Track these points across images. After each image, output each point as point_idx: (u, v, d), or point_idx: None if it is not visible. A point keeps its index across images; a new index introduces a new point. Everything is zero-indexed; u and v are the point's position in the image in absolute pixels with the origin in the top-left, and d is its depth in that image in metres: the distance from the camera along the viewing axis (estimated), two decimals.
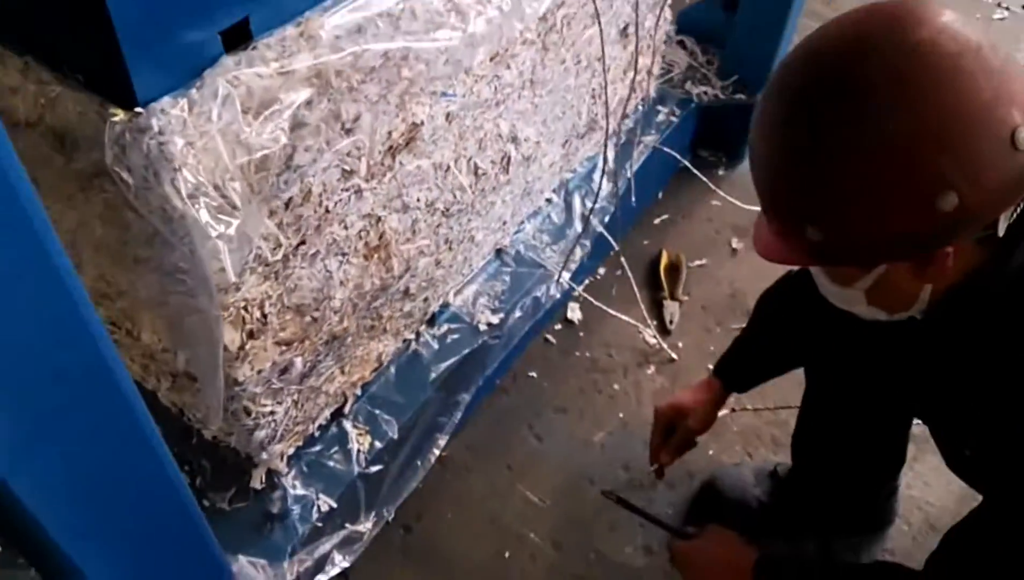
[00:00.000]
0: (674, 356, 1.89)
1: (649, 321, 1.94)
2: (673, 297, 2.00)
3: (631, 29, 1.78)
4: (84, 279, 1.22)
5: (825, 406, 1.39)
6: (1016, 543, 0.91)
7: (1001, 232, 0.83)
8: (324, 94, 1.04)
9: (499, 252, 1.79)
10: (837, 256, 0.88)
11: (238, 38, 0.95)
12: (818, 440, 1.45)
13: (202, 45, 0.92)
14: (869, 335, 1.07)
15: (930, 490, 1.65)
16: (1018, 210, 0.83)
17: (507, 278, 1.76)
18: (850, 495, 1.49)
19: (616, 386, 1.85)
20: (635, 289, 1.94)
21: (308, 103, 1.02)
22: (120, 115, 0.88)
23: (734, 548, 1.27)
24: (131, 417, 0.81)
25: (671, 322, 1.96)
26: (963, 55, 0.77)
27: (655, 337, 1.92)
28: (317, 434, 1.45)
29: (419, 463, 1.55)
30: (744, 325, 1.46)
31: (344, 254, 1.26)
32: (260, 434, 1.28)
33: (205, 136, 0.91)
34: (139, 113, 0.88)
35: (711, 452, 1.73)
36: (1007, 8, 3.02)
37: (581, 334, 1.95)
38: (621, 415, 1.80)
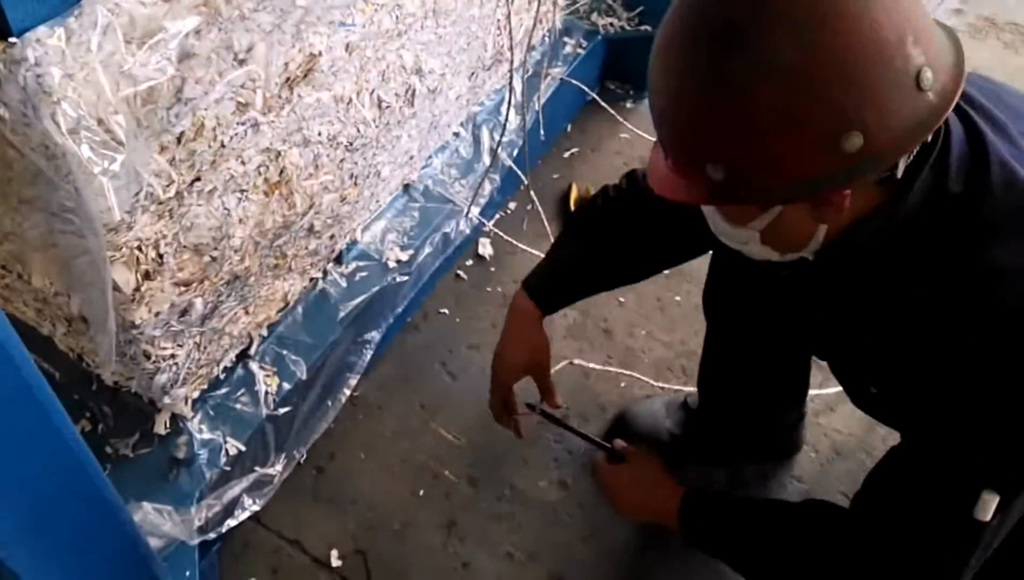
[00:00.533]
0: None
1: None
2: None
3: None
4: None
5: (724, 343, 1.42)
6: (933, 482, 0.92)
7: (900, 174, 0.84)
8: (214, 23, 1.00)
9: (407, 187, 1.77)
10: (737, 195, 0.85)
11: None
12: (722, 374, 1.49)
13: None
14: (760, 275, 1.08)
15: (836, 416, 1.72)
16: (914, 153, 0.84)
17: (416, 214, 1.74)
18: (757, 424, 1.54)
19: None
20: (545, 223, 1.95)
21: (197, 32, 0.98)
22: None
23: (661, 479, 1.27)
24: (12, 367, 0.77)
25: None
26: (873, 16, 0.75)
27: None
28: (223, 377, 1.42)
29: (329, 403, 1.55)
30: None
31: (243, 191, 1.23)
32: (161, 378, 1.25)
33: (85, 68, 0.87)
34: (13, 44, 0.83)
35: (623, 385, 1.77)
36: None
37: (492, 269, 1.95)
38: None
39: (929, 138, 0.83)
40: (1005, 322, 0.83)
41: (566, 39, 2.12)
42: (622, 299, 1.90)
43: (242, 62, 1.09)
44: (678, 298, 1.91)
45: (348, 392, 1.57)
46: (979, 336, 0.85)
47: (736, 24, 0.77)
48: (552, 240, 1.96)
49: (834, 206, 0.84)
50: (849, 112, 0.76)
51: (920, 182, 0.85)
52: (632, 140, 2.24)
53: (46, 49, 0.84)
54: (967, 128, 0.89)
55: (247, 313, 1.40)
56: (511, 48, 1.72)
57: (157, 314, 1.16)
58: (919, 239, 0.87)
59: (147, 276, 1.11)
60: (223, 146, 1.14)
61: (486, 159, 1.87)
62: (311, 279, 1.56)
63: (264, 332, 1.48)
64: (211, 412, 1.38)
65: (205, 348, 1.33)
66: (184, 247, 1.15)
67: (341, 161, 1.44)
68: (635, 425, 1.64)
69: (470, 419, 1.70)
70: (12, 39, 0.84)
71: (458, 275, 1.94)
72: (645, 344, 1.83)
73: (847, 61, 0.75)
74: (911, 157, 0.84)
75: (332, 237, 1.55)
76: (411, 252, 1.68)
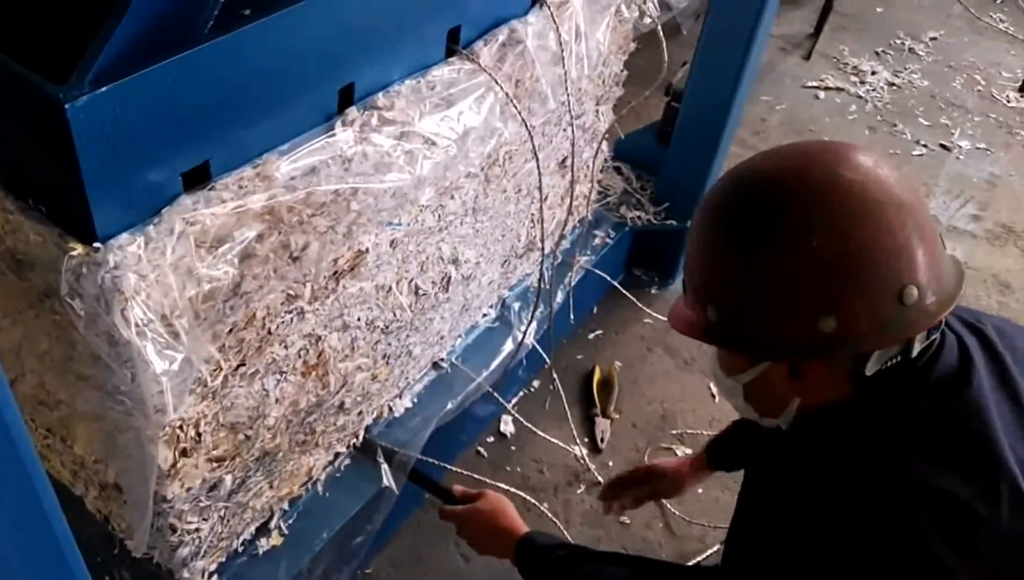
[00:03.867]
0: (600, 479, 1.94)
1: (581, 439, 2.00)
2: (605, 414, 2.07)
3: (569, 161, 1.89)
4: (24, 387, 1.24)
5: None
6: None
7: (869, 372, 0.92)
8: (275, 228, 1.10)
9: (435, 365, 1.84)
10: (726, 339, 0.97)
11: (198, 178, 1.01)
12: None
13: (163, 185, 0.97)
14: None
15: None
16: (893, 361, 0.92)
17: (440, 391, 1.80)
18: None
19: (546, 505, 1.88)
20: (566, 407, 2.00)
21: (259, 237, 1.08)
22: (79, 249, 0.92)
23: (503, 520, 1.37)
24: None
25: (602, 440, 2.02)
26: (885, 206, 0.87)
27: (584, 458, 1.97)
28: (241, 549, 1.45)
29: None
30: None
31: (282, 372, 1.30)
32: (183, 551, 1.28)
33: (157, 269, 0.96)
34: (97, 249, 0.92)
35: None
36: (925, 145, 3.26)
37: (513, 448, 1.99)
38: None
39: (915, 352, 0.92)
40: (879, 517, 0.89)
41: (596, 230, 2.24)
42: None
43: (296, 260, 1.18)
44: None
45: (358, 570, 1.59)
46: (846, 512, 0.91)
47: (765, 202, 0.90)
48: (571, 425, 2.01)
49: (808, 381, 0.95)
50: (829, 298, 0.87)
51: (890, 391, 0.93)
52: (655, 325, 2.32)
53: (125, 255, 0.94)
54: (962, 362, 0.96)
55: (271, 487, 1.44)
56: (564, 237, 1.80)
57: (188, 489, 1.21)
58: (869, 438, 0.95)
59: (184, 453, 1.17)
60: (270, 333, 1.22)
61: (513, 340, 1.95)
62: (336, 454, 1.61)
63: (285, 506, 1.51)
64: None
65: (228, 522, 1.36)
66: (221, 426, 1.22)
67: (376, 343, 1.52)
68: None
69: None
70: (96, 244, 0.93)
71: (479, 451, 1.97)
72: None
73: (849, 264, 0.86)
74: (889, 363, 0.92)
75: (360, 413, 1.61)
76: (433, 427, 1.72)
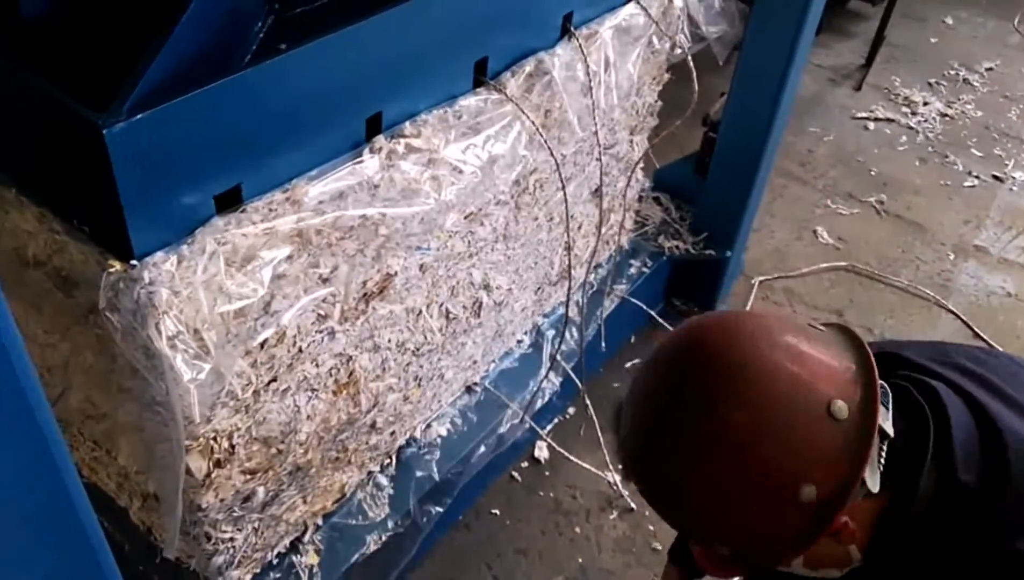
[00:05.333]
0: (633, 505, 1.94)
1: (615, 465, 2.01)
2: None
3: (602, 190, 1.92)
4: (72, 400, 1.32)
5: None
6: None
7: (875, 488, 0.86)
8: (304, 249, 1.16)
9: (469, 389, 1.88)
10: (751, 562, 0.94)
11: (230, 201, 1.07)
12: None
13: (197, 207, 1.04)
14: None
15: None
16: (882, 458, 0.87)
17: (473, 415, 1.84)
18: None
19: (578, 530, 1.90)
20: (599, 433, 2.02)
21: (288, 257, 1.14)
22: (116, 266, 0.99)
23: None
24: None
25: None
26: (777, 374, 0.85)
27: (618, 485, 1.98)
28: (275, 562, 1.50)
29: None
30: None
31: (314, 390, 1.35)
32: (219, 559, 1.33)
33: (189, 286, 1.02)
34: (134, 266, 0.99)
35: None
36: (977, 176, 3.20)
37: (547, 473, 2.01)
38: (580, 560, 1.84)
39: (891, 432, 0.87)
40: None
41: (632, 260, 2.26)
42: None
43: (325, 281, 1.24)
44: None
45: None
46: None
47: (680, 417, 0.88)
48: (605, 451, 2.01)
49: (843, 531, 0.87)
50: (790, 470, 0.83)
51: (925, 477, 0.88)
52: None
53: (159, 272, 1.00)
54: (972, 409, 0.92)
55: (305, 502, 1.49)
56: (599, 266, 1.82)
57: (222, 499, 1.27)
58: (940, 532, 0.89)
59: (218, 464, 1.23)
60: (300, 351, 1.28)
61: (545, 365, 1.97)
62: (369, 472, 1.65)
63: (319, 521, 1.56)
64: None
65: (262, 533, 1.41)
66: (254, 439, 1.27)
67: (407, 365, 1.57)
68: None
69: None
70: (133, 261, 1.00)
71: (512, 476, 2.00)
72: None
73: (775, 422, 0.83)
74: (880, 463, 0.87)
75: (392, 434, 1.65)
76: (465, 451, 1.76)
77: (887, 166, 3.23)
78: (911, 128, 3.45)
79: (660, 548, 1.87)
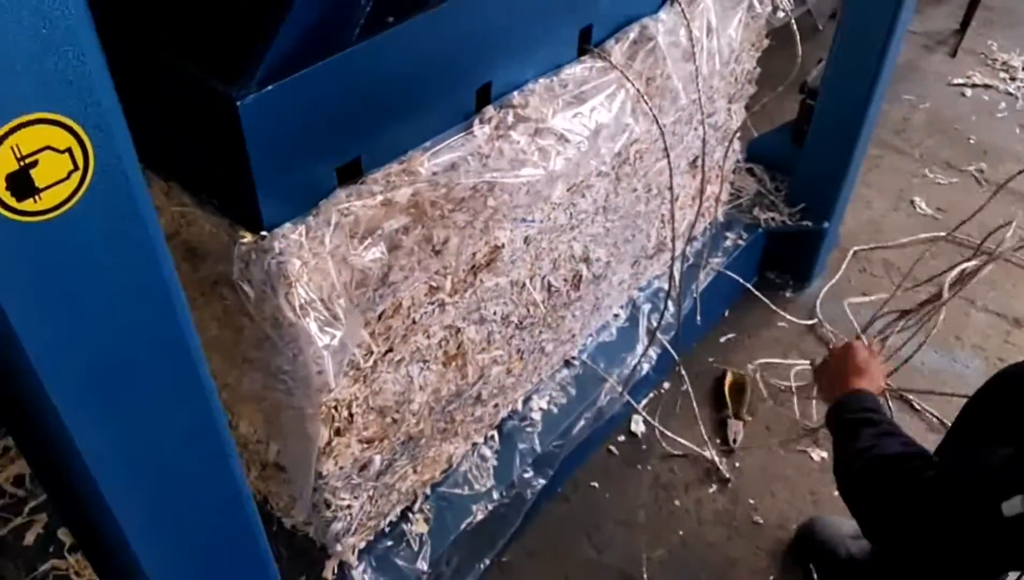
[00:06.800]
0: (730, 476, 1.93)
1: (713, 439, 1.99)
2: (737, 416, 2.05)
3: (700, 161, 1.89)
4: None
5: None
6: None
7: None
8: (419, 221, 1.17)
9: (567, 363, 1.88)
10: None
11: (350, 173, 1.09)
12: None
13: (320, 180, 1.06)
14: None
15: None
16: None
17: (572, 389, 1.84)
18: None
19: (677, 502, 1.89)
20: (695, 407, 2.00)
21: (405, 229, 1.15)
22: (248, 237, 1.02)
23: (846, 374, 1.45)
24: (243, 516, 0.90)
25: (734, 441, 2.00)
26: None
27: (716, 457, 1.96)
28: (388, 530, 1.53)
29: (480, 566, 1.61)
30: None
31: (425, 361, 1.37)
32: (337, 526, 1.37)
33: (317, 257, 1.04)
34: (264, 237, 1.01)
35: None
36: None
37: (644, 447, 2.00)
38: (681, 533, 1.83)
39: None
40: None
41: (727, 232, 2.22)
42: (771, 489, 1.90)
43: (438, 253, 1.25)
44: None
45: (494, 556, 1.64)
46: None
47: None
48: (701, 425, 2.00)
49: None
50: None
51: None
52: (789, 329, 2.28)
53: (288, 242, 1.02)
54: None
55: (415, 472, 1.52)
56: (694, 239, 1.82)
57: (341, 467, 1.30)
58: None
59: (338, 432, 1.26)
60: (414, 322, 1.29)
61: (643, 340, 1.96)
62: (473, 444, 1.67)
63: (427, 491, 1.59)
64: (374, 563, 1.48)
65: (376, 502, 1.44)
66: (371, 409, 1.30)
67: (511, 338, 1.58)
68: (816, 534, 1.75)
69: None
70: (263, 233, 1.03)
71: (610, 450, 2.00)
72: None
73: None
74: None
75: (496, 406, 1.67)
76: (566, 424, 1.76)
77: (986, 134, 3.10)
78: (1010, 94, 3.31)
79: (761, 522, 1.85)
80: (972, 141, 3.06)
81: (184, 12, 1.14)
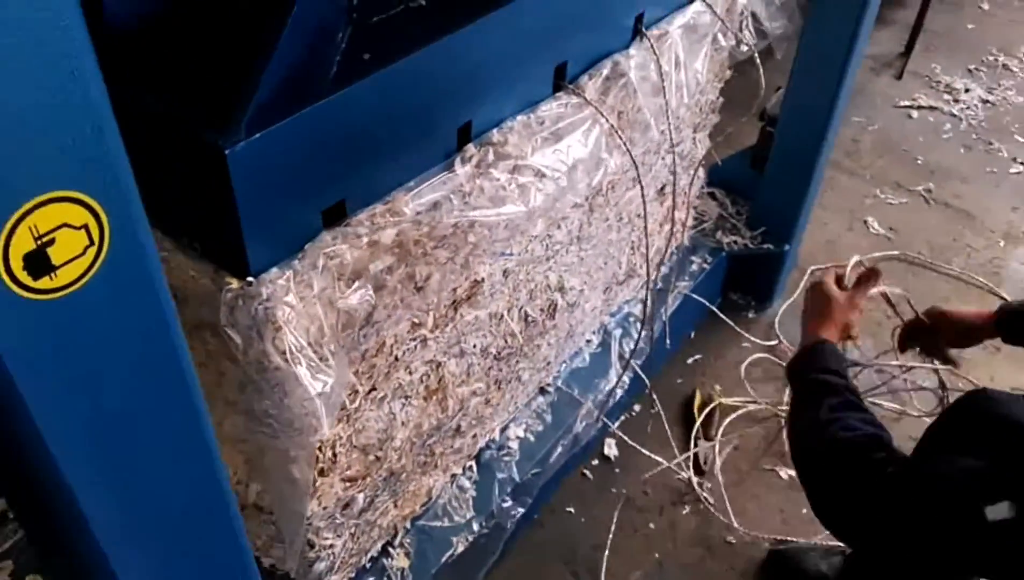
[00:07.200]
0: (708, 497, 1.96)
1: (684, 460, 2.02)
2: (707, 437, 2.08)
3: (668, 189, 1.93)
4: None
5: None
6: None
7: None
8: (403, 260, 1.17)
9: (542, 390, 1.89)
10: None
11: (335, 216, 1.09)
12: None
13: (306, 223, 1.06)
14: None
15: None
16: None
17: (548, 416, 1.85)
18: None
19: (652, 525, 1.91)
20: (667, 429, 2.03)
21: (389, 269, 1.16)
22: (235, 283, 1.01)
23: (824, 317, 1.42)
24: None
25: (705, 462, 2.03)
26: None
27: (688, 478, 1.99)
28: (368, 566, 1.52)
29: None
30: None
31: (407, 397, 1.37)
32: (320, 566, 1.36)
33: (305, 301, 1.04)
34: (251, 282, 1.01)
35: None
36: (1022, 163, 3.18)
37: (617, 470, 2.02)
38: (656, 555, 1.86)
39: None
40: None
41: (692, 256, 2.27)
42: (746, 506, 1.93)
43: (420, 290, 1.26)
44: None
45: None
46: None
47: None
48: (674, 446, 2.02)
49: None
50: None
51: None
52: (752, 349, 2.33)
53: (275, 287, 1.02)
54: None
55: (395, 507, 1.51)
56: (649, 267, 1.85)
57: (324, 507, 1.29)
58: None
59: (321, 473, 1.25)
60: (396, 359, 1.29)
61: (615, 364, 1.99)
62: (452, 475, 1.67)
63: (407, 525, 1.58)
64: None
65: (358, 539, 1.43)
66: (354, 447, 1.29)
67: (489, 369, 1.58)
68: (788, 554, 1.81)
69: None
70: (250, 278, 1.02)
71: (584, 474, 2.01)
72: None
73: None
74: None
75: (474, 436, 1.67)
76: (543, 451, 1.77)
77: (933, 154, 3.21)
78: (954, 115, 3.43)
79: (734, 541, 1.88)
80: (920, 161, 3.16)
81: (168, 58, 1.13)
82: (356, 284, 1.08)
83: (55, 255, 0.52)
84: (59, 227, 0.51)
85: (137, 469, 0.69)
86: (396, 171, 1.17)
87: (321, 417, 1.04)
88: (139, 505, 0.71)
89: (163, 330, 0.64)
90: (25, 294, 0.51)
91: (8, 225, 0.48)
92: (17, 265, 0.50)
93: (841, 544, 1.76)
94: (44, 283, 0.52)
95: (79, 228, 0.53)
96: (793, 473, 2.01)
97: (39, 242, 0.50)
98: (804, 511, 1.91)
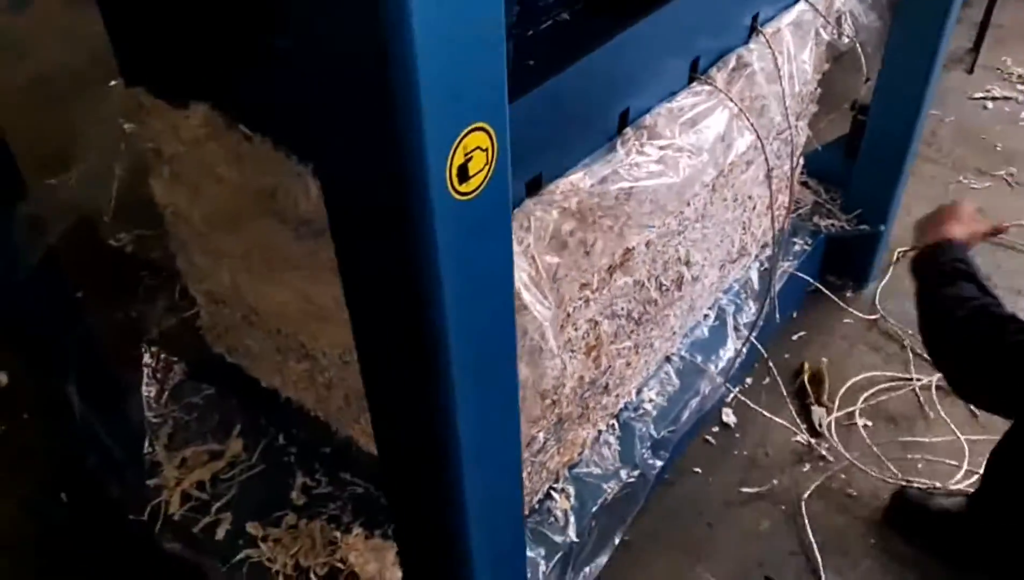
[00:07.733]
0: (828, 455, 2.12)
1: (800, 423, 2.19)
2: (820, 403, 2.25)
3: (775, 172, 2.12)
4: None
5: None
6: None
7: None
8: (581, 226, 1.39)
9: (668, 358, 2.09)
10: None
11: (535, 186, 1.31)
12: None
13: (515, 192, 1.28)
14: None
15: None
16: None
17: (676, 381, 2.04)
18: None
19: (775, 481, 2.08)
20: (784, 393, 2.20)
21: (571, 232, 1.37)
22: None
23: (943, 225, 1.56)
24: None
25: (820, 425, 2.20)
26: None
27: (808, 439, 2.15)
28: (536, 506, 1.73)
29: (614, 540, 1.80)
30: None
31: (573, 350, 1.58)
32: None
33: (516, 256, 1.26)
34: None
35: None
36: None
37: (737, 435, 2.20)
38: (784, 508, 2.02)
39: None
40: None
41: (794, 238, 2.45)
42: (862, 466, 2.09)
43: (587, 253, 1.47)
44: None
45: (621, 536, 1.83)
46: None
47: None
48: (791, 409, 2.19)
49: None
50: None
51: None
52: (855, 324, 2.49)
53: None
54: None
55: (559, 453, 1.72)
56: (766, 245, 2.05)
57: None
58: None
59: None
60: (568, 315, 1.51)
61: (731, 335, 2.17)
62: (599, 431, 1.87)
63: (567, 472, 1.79)
64: (529, 535, 1.68)
65: (532, 478, 1.64)
66: (537, 392, 1.50)
67: (631, 332, 1.79)
68: (909, 497, 1.94)
69: (729, 567, 1.90)
70: None
71: (706, 440, 2.19)
72: None
73: None
74: None
75: (617, 395, 1.87)
76: (676, 411, 1.97)
77: (1011, 141, 3.33)
78: None
79: (855, 494, 2.04)
80: (999, 148, 3.29)
81: None
82: (550, 243, 1.30)
83: (471, 168, 0.75)
84: (475, 149, 0.74)
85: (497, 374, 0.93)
86: (574, 151, 1.39)
87: (550, 339, 1.25)
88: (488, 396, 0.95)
89: (507, 243, 0.88)
90: (456, 197, 0.75)
91: (453, 146, 0.72)
92: (453, 175, 0.73)
93: (961, 487, 1.92)
94: (464, 188, 0.76)
95: (484, 149, 0.76)
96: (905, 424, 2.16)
97: (466, 158, 0.74)
98: (920, 465, 2.07)
